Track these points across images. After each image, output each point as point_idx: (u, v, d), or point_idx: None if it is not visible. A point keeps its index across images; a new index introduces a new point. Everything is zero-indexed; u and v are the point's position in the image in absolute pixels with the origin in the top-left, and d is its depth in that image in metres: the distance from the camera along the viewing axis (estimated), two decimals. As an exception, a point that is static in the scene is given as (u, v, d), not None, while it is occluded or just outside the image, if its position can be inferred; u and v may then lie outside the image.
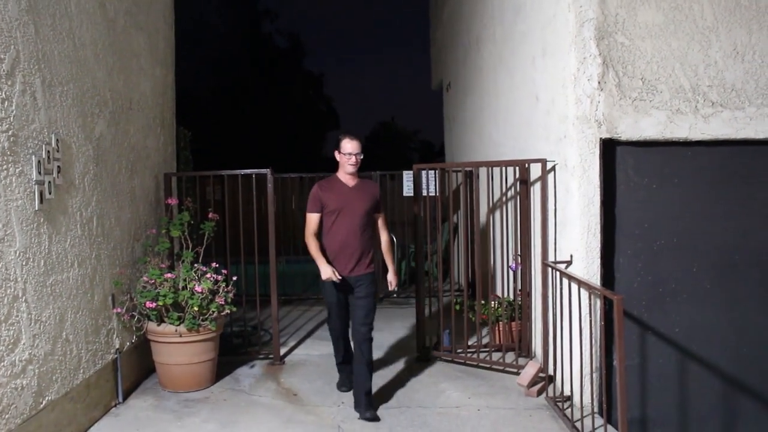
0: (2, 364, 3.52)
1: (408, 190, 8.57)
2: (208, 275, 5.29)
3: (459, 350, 5.88)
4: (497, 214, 6.36)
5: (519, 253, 5.71)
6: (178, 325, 5.12)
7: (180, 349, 5.17)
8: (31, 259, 3.81)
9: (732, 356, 4.80)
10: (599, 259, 4.65)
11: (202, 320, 5.16)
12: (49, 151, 3.97)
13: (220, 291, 5.30)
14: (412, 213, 6.12)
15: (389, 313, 7.94)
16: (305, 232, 4.77)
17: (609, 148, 4.69)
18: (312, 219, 4.79)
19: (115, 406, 4.92)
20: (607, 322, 4.33)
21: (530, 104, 5.79)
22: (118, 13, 5.18)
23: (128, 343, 5.22)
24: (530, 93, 5.78)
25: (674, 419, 4.79)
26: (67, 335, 4.24)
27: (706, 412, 4.79)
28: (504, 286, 6.04)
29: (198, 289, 5.14)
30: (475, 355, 5.79)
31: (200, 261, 5.55)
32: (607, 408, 4.27)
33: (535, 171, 5.42)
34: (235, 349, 6.19)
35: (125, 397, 5.04)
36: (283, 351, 6.21)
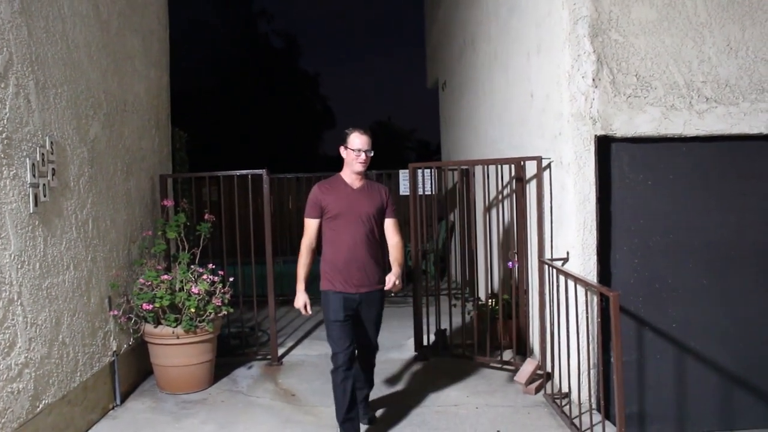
0: (-2, 367, 3.52)
1: (404, 189, 8.57)
2: (205, 276, 5.29)
3: (459, 349, 5.88)
4: (494, 212, 6.37)
5: (516, 250, 5.71)
6: (175, 326, 5.11)
7: (177, 350, 5.16)
8: (27, 263, 3.80)
9: (729, 351, 4.80)
10: (595, 256, 4.66)
11: (199, 322, 5.15)
12: (43, 154, 3.96)
13: (217, 292, 5.30)
14: (409, 212, 6.11)
15: (387, 312, 7.85)
16: (302, 240, 4.17)
17: (604, 145, 4.69)
18: (310, 225, 4.17)
19: (113, 408, 4.91)
20: (604, 319, 4.33)
21: (525, 102, 5.79)
22: (112, 15, 5.17)
23: (125, 346, 5.22)
24: (525, 90, 5.79)
25: (672, 414, 4.80)
26: (64, 338, 4.23)
27: (704, 407, 4.80)
28: (501, 284, 6.04)
29: (195, 290, 5.13)
30: (473, 353, 5.79)
31: (197, 262, 5.54)
32: (605, 404, 4.27)
33: (531, 168, 5.42)
34: (233, 350, 6.18)
35: (123, 400, 5.04)
36: (280, 351, 6.21)
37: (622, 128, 4.62)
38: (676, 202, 4.75)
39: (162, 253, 5.69)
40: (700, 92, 4.64)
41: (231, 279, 5.53)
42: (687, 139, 4.68)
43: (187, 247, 5.64)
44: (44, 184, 3.97)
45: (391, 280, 4.15)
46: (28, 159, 3.80)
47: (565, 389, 4.79)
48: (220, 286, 5.34)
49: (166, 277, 5.18)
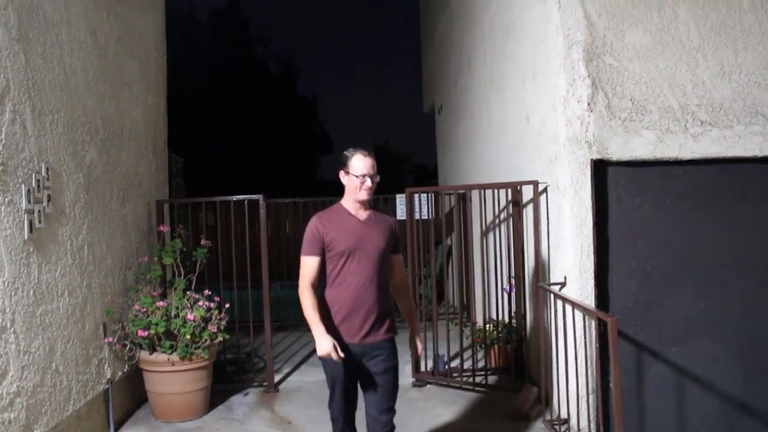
0: (-10, 396, 3.48)
1: (401, 213, 8.57)
2: (201, 303, 5.25)
3: (455, 374, 5.84)
4: (491, 236, 6.35)
5: (513, 275, 5.70)
6: (171, 353, 5.07)
7: (172, 378, 5.11)
8: (20, 289, 3.78)
9: (729, 374, 4.76)
10: (593, 280, 4.64)
11: (195, 348, 5.11)
12: (39, 180, 3.96)
13: (213, 318, 5.26)
14: (406, 237, 6.10)
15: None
16: (299, 281, 3.44)
17: (600, 169, 4.69)
18: (309, 265, 3.43)
19: (107, 437, 4.86)
20: (602, 344, 4.30)
21: (521, 126, 5.81)
22: (110, 41, 5.20)
23: (120, 373, 5.17)
24: (521, 114, 5.81)
25: (673, 440, 4.74)
26: (57, 366, 4.19)
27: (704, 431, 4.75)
28: (499, 309, 6.01)
29: (190, 316, 5.10)
30: (471, 379, 5.74)
31: (193, 288, 5.51)
32: (604, 430, 4.23)
33: (528, 193, 5.42)
34: (229, 377, 6.13)
35: (117, 428, 4.98)
36: (277, 378, 6.16)
37: (617, 152, 4.63)
38: (673, 226, 4.74)
39: (158, 279, 5.67)
40: (694, 116, 4.65)
41: (227, 305, 5.50)
42: (683, 162, 4.69)
43: (183, 273, 5.62)
44: (39, 211, 3.95)
45: (419, 345, 3.78)
46: (23, 185, 3.79)
47: (564, 415, 4.74)
48: (216, 312, 5.31)
49: (161, 303, 5.15)
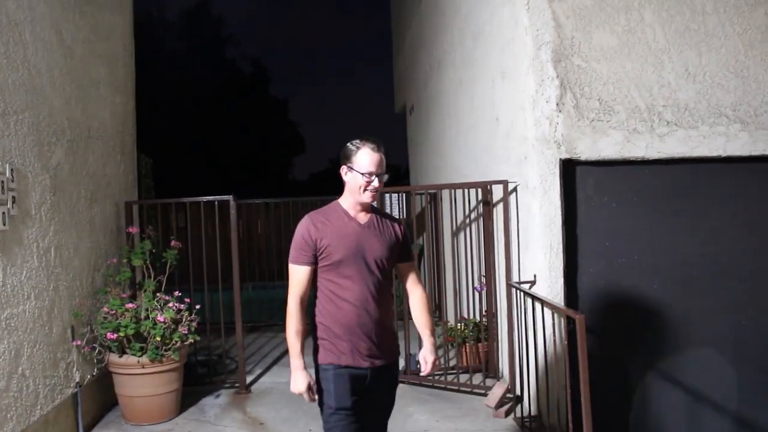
0: (-46, 402, 3.41)
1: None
2: (171, 304, 5.21)
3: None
4: (461, 235, 6.39)
5: (484, 274, 5.74)
6: (141, 356, 5.01)
7: (143, 380, 5.05)
8: (-15, 293, 3.71)
9: (696, 371, 4.85)
10: (562, 278, 4.69)
11: (165, 350, 5.06)
12: (2, 182, 3.89)
13: (183, 320, 5.22)
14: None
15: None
16: (288, 294, 2.94)
17: (569, 169, 4.75)
18: (298, 275, 2.92)
19: (76, 441, 4.79)
20: (571, 341, 4.35)
21: (491, 126, 5.86)
22: (76, 41, 5.13)
23: (89, 376, 5.10)
24: (491, 115, 5.85)
25: (641, 436, 4.82)
26: (23, 370, 4.12)
27: (673, 427, 4.83)
28: (470, 308, 6.05)
29: (160, 318, 5.05)
30: (442, 378, 5.77)
31: (163, 290, 5.46)
32: (573, 427, 4.27)
33: (498, 192, 5.47)
34: (200, 379, 6.08)
35: (86, 432, 4.91)
36: (249, 379, 6.12)
37: (586, 152, 4.69)
38: (640, 224, 4.81)
39: (127, 281, 5.60)
40: (660, 116, 4.73)
41: (198, 306, 5.46)
42: (649, 161, 4.77)
43: (152, 275, 5.56)
44: (4, 213, 3.89)
45: (430, 359, 3.04)
46: (-13, 187, 3.73)
47: (534, 412, 4.79)
48: (187, 313, 5.26)
49: (131, 305, 5.09)
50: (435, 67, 8.56)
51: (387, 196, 6.14)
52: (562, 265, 4.69)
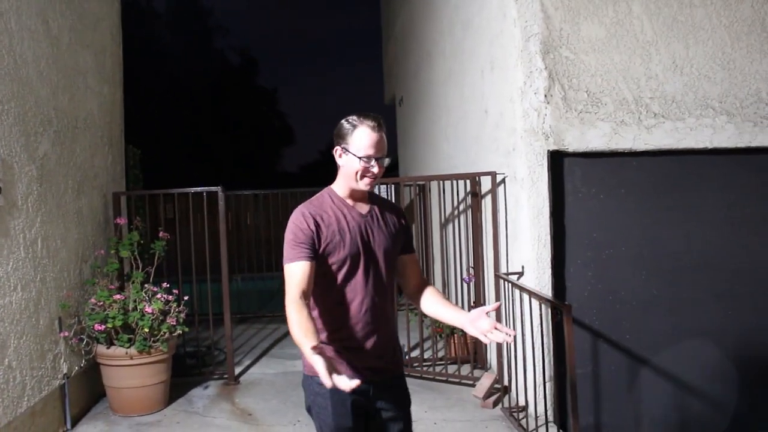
0: (-59, 393, 3.40)
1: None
2: (159, 296, 5.19)
3: (414, 364, 5.89)
4: (450, 226, 6.41)
5: (472, 265, 5.76)
6: (129, 347, 5.00)
7: (131, 371, 5.05)
8: (-29, 284, 3.69)
9: (682, 360, 4.89)
10: (550, 269, 4.72)
11: (153, 342, 5.05)
12: (-11, 172, 3.86)
13: (172, 311, 5.21)
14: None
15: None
16: (285, 298, 2.35)
17: (557, 160, 4.77)
18: (297, 274, 2.35)
19: (64, 432, 4.78)
20: (558, 332, 4.39)
21: (480, 118, 5.87)
22: (63, 31, 5.09)
23: (77, 368, 5.08)
24: (480, 107, 5.86)
25: (627, 424, 4.87)
26: (10, 362, 4.10)
27: (659, 416, 4.88)
28: (458, 299, 6.07)
29: (148, 309, 5.04)
30: (430, 369, 5.80)
31: (151, 281, 5.45)
32: (561, 416, 4.32)
33: (486, 183, 5.48)
34: (189, 370, 6.07)
35: (74, 424, 4.90)
36: (237, 370, 6.13)
37: (574, 143, 4.71)
38: (628, 216, 4.85)
39: (115, 272, 5.58)
40: (648, 108, 4.76)
41: (186, 298, 5.45)
42: (637, 153, 4.79)
43: (140, 266, 5.54)
44: (-10, 203, 3.86)
45: (499, 326, 2.28)
46: (-28, 177, 3.70)
47: (522, 402, 4.82)
48: (175, 305, 5.25)
49: (118, 296, 5.07)
50: (424, 58, 8.55)
51: (377, 187, 6.12)
52: (549, 256, 4.71)
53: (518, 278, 4.86)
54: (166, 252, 5.70)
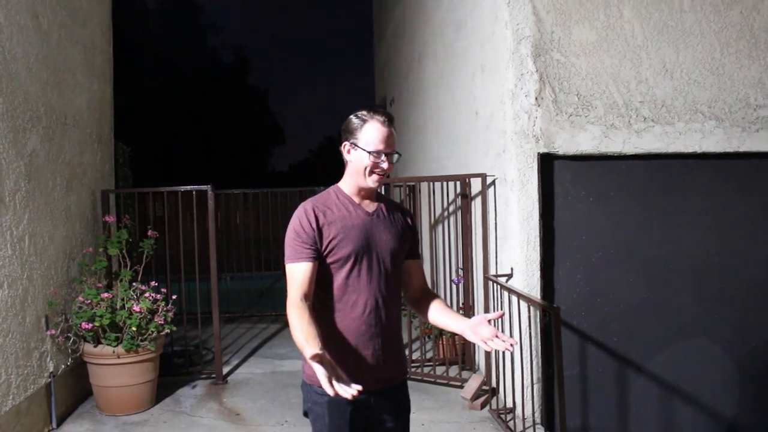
0: (-75, 391, 3.37)
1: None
2: (147, 294, 5.17)
3: (407, 366, 5.88)
4: (440, 228, 6.41)
5: (461, 267, 5.77)
6: (116, 346, 4.98)
7: (118, 370, 5.02)
8: (-43, 281, 3.66)
9: (668, 363, 4.92)
10: (539, 272, 4.73)
11: (141, 340, 5.03)
12: (-24, 168, 3.83)
13: (160, 310, 5.18)
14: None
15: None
16: (287, 299, 2.26)
17: (547, 163, 4.78)
18: (299, 275, 2.28)
19: None
20: (547, 334, 4.40)
21: (470, 120, 5.88)
22: (53, 27, 5.06)
23: (63, 366, 5.05)
24: (470, 108, 5.87)
25: (615, 427, 4.88)
26: (-4, 359, 4.07)
27: (646, 418, 4.90)
28: (447, 300, 6.07)
29: (136, 308, 5.01)
30: (419, 370, 5.80)
31: (139, 280, 5.42)
32: (548, 418, 4.33)
33: (476, 185, 5.49)
34: (177, 370, 6.05)
35: (60, 423, 4.87)
36: (225, 370, 6.11)
37: (564, 146, 4.73)
38: (617, 219, 4.87)
39: (103, 270, 5.55)
40: (638, 112, 4.78)
41: (174, 297, 5.43)
42: (626, 156, 4.81)
43: (129, 264, 5.52)
44: (-23, 200, 3.83)
45: (500, 335, 2.20)
46: (-40, 173, 3.67)
47: (510, 404, 4.83)
48: (163, 303, 5.23)
49: (106, 295, 5.05)
50: (416, 60, 8.56)
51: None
52: (538, 258, 4.72)
53: (507, 280, 4.87)
54: (155, 250, 5.68)
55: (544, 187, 4.78)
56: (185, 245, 6.06)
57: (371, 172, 2.35)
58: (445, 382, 5.60)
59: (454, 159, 6.60)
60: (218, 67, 25.68)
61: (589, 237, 4.85)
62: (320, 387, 2.15)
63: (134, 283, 5.31)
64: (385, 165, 2.34)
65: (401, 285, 2.55)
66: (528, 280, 4.71)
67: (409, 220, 2.56)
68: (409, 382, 5.53)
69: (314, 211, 2.34)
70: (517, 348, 4.59)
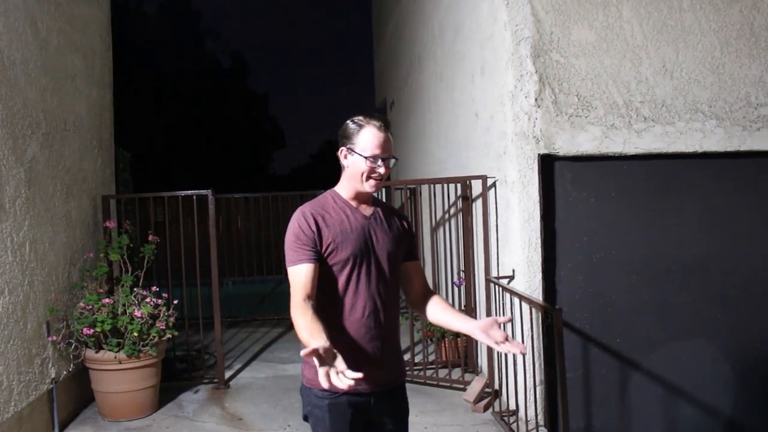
0: (-74, 398, 3.36)
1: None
2: (148, 299, 5.16)
3: (405, 368, 5.87)
4: (441, 230, 6.40)
5: (463, 269, 5.75)
6: (118, 351, 4.97)
7: (120, 376, 5.01)
8: (-42, 288, 3.65)
9: (673, 364, 4.90)
10: (540, 273, 4.72)
11: (143, 346, 5.02)
12: (-24, 175, 3.83)
13: (161, 315, 5.17)
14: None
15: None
16: (291, 302, 2.28)
17: (547, 164, 4.77)
18: (301, 277, 2.30)
19: (51, 438, 4.74)
20: (549, 336, 4.38)
21: (470, 121, 5.87)
22: (51, 33, 5.06)
23: (65, 372, 5.04)
24: (470, 110, 5.86)
25: (618, 428, 4.86)
26: (-2, 366, 4.06)
27: (649, 420, 4.88)
28: (449, 302, 6.06)
29: (137, 313, 5.01)
30: (421, 372, 5.79)
31: (141, 285, 5.42)
32: (552, 420, 4.31)
33: (477, 187, 5.48)
34: (179, 375, 6.04)
35: (62, 429, 4.86)
36: (228, 374, 6.10)
37: (564, 147, 4.71)
38: (618, 219, 4.85)
39: (104, 276, 5.55)
40: (638, 112, 4.77)
41: (175, 301, 5.42)
42: (627, 157, 4.80)
43: (130, 270, 5.51)
44: (-23, 206, 3.83)
45: (507, 337, 2.28)
46: (-41, 180, 3.67)
47: (513, 407, 4.81)
48: (164, 308, 5.22)
49: (107, 300, 5.04)
50: (415, 62, 8.56)
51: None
52: (540, 260, 4.71)
53: (509, 282, 4.86)
54: (156, 256, 5.67)
55: (545, 189, 4.76)
56: (186, 250, 6.05)
57: (368, 177, 2.38)
58: (448, 384, 5.59)
59: (454, 161, 6.60)
60: (218, 72, 25.69)
61: (591, 238, 4.84)
62: (320, 390, 2.33)
63: (135, 289, 5.30)
64: (381, 170, 2.38)
65: (399, 288, 2.56)
66: (529, 281, 4.69)
67: (405, 224, 2.60)
68: (412, 386, 5.53)
69: (312, 215, 2.38)
70: (519, 350, 4.57)
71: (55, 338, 4.82)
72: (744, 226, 4.91)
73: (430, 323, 5.65)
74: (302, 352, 1.96)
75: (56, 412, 4.79)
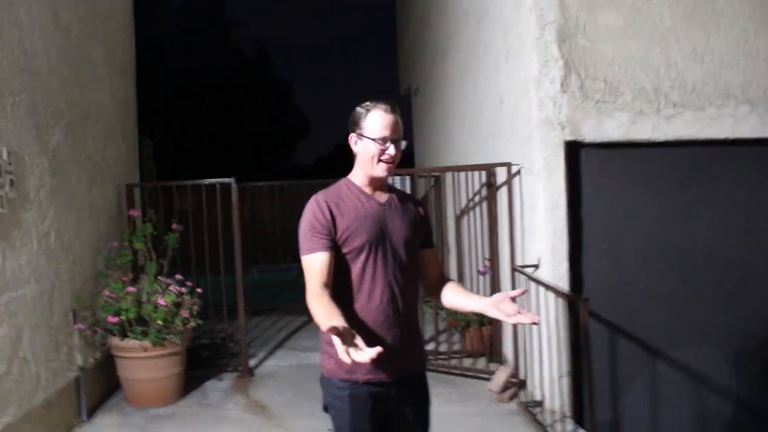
0: (-47, 386, 3.40)
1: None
2: (172, 288, 5.18)
3: (429, 357, 5.84)
4: (465, 219, 6.34)
5: (488, 257, 5.69)
6: (142, 339, 5.00)
7: (145, 364, 5.05)
8: (-17, 277, 3.69)
9: (698, 355, 4.81)
10: (566, 262, 4.64)
11: (167, 334, 5.04)
12: (0, 164, 3.85)
13: (185, 304, 5.19)
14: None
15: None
16: (306, 289, 2.32)
17: (573, 151, 4.68)
18: (316, 265, 2.31)
19: (79, 424, 4.79)
20: (575, 325, 4.32)
21: (495, 108, 5.78)
22: (73, 23, 5.07)
23: (91, 360, 5.09)
24: (495, 97, 5.78)
25: (645, 419, 4.79)
26: (25, 354, 4.10)
27: (677, 411, 4.80)
28: (474, 291, 6.01)
29: (161, 302, 5.03)
30: (446, 362, 5.75)
31: (165, 273, 5.44)
32: (578, 411, 4.26)
33: (501, 175, 5.41)
34: (204, 363, 6.07)
35: (90, 416, 4.91)
36: (252, 363, 6.12)
37: (590, 133, 4.62)
38: (645, 207, 4.75)
39: (128, 264, 5.58)
40: (667, 97, 4.65)
41: (199, 290, 5.43)
42: (656, 144, 4.69)
43: (154, 258, 5.54)
44: (1, 196, 3.85)
45: (523, 311, 2.21)
46: (-16, 170, 3.69)
47: (538, 397, 4.76)
48: (188, 297, 5.23)
49: (132, 288, 5.07)
50: (440, 49, 8.47)
51: (391, 179, 6.07)
52: (566, 248, 4.63)
53: (534, 271, 4.79)
54: (180, 244, 5.69)
55: (571, 176, 4.68)
56: (210, 238, 6.07)
57: (379, 160, 2.37)
58: (473, 374, 5.55)
59: (479, 148, 6.52)
60: (243, 62, 25.73)
61: (617, 226, 4.75)
62: (340, 380, 2.35)
63: (159, 277, 5.32)
64: (392, 151, 2.36)
65: (417, 274, 2.54)
66: (555, 270, 4.62)
67: (420, 210, 2.57)
68: (436, 375, 5.51)
69: (326, 203, 2.36)
70: (545, 340, 4.51)
71: (81, 326, 4.86)
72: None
73: (453, 312, 5.59)
74: (323, 327, 1.98)
75: (84, 398, 4.85)
